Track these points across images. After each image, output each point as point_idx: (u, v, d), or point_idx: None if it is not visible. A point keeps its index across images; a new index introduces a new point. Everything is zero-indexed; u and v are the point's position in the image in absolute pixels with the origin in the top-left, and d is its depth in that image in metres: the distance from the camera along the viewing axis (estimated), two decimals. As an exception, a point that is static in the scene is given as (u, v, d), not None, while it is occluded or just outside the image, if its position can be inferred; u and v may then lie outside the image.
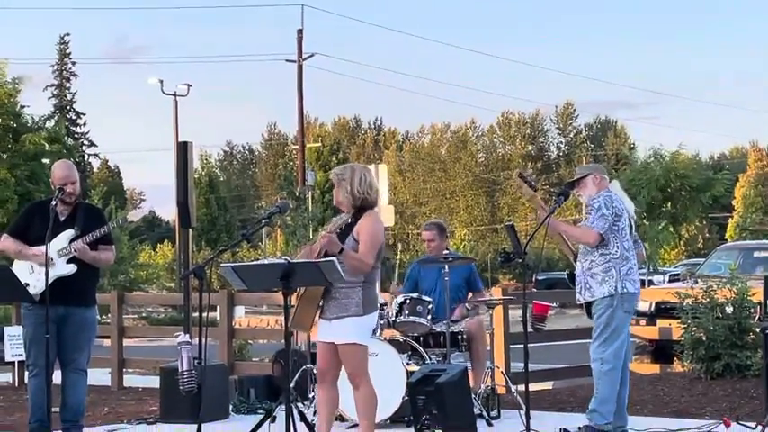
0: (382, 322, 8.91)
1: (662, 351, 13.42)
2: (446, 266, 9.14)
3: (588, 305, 7.82)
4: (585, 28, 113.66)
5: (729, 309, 10.92)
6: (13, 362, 12.78)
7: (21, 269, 7.66)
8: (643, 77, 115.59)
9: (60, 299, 7.50)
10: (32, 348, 7.74)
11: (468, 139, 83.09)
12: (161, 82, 44.46)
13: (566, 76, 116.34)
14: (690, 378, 10.92)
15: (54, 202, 7.63)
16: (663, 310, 13.99)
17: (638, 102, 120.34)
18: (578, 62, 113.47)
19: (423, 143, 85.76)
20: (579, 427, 7.75)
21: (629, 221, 7.82)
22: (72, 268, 7.70)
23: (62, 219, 7.78)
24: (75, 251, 7.66)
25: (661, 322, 13.56)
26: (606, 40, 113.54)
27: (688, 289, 11.67)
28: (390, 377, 8.33)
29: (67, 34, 69.60)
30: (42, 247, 7.44)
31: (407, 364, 8.62)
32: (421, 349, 8.98)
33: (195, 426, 6.94)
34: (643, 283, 26.71)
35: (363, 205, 6.83)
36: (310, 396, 9.10)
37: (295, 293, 6.77)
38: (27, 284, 7.48)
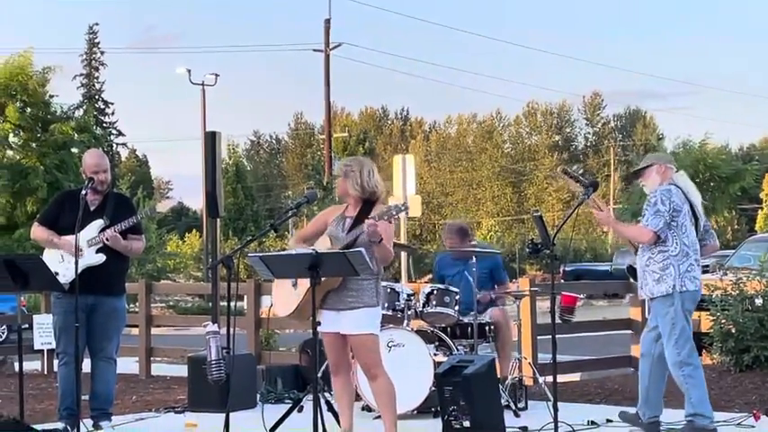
0: (410, 313, 8.91)
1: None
2: (473, 258, 9.13)
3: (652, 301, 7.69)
4: (614, 18, 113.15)
5: (759, 301, 10.84)
6: (43, 350, 12.88)
7: (51, 258, 7.70)
8: (674, 68, 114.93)
9: (90, 288, 7.54)
10: (62, 337, 7.79)
11: (494, 129, 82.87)
12: (189, 71, 44.53)
13: (594, 65, 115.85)
14: (719, 371, 10.86)
15: (84, 192, 7.65)
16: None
17: (669, 92, 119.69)
18: (608, 52, 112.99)
19: (449, 133, 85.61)
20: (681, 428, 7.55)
21: (695, 214, 7.54)
22: (101, 258, 7.74)
23: (92, 208, 7.82)
24: (106, 239, 7.69)
25: (689, 314, 13.48)
26: (636, 31, 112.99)
27: (717, 281, 11.60)
28: (417, 368, 8.34)
29: (96, 24, 69.95)
30: (72, 237, 7.48)
31: (434, 354, 8.61)
32: (448, 340, 8.98)
33: (223, 415, 6.96)
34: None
35: (371, 199, 6.81)
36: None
37: (295, 283, 6.82)
38: (57, 273, 7.51)
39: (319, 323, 6.69)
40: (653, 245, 7.43)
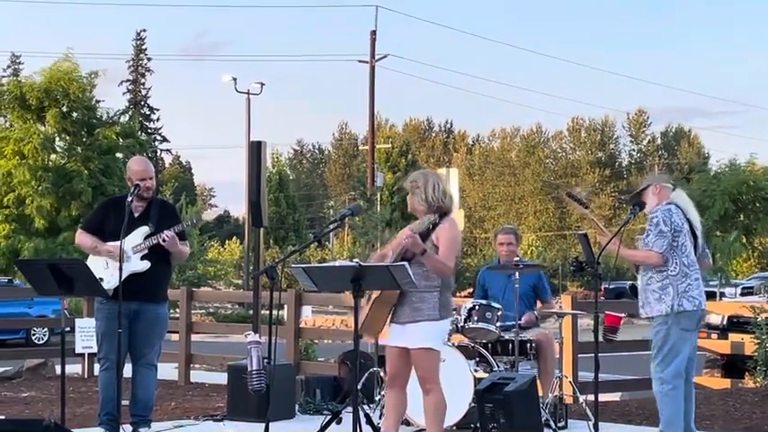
0: (451, 328, 8.86)
1: (733, 366, 13.21)
2: (516, 273, 9.07)
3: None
4: (662, 34, 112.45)
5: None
6: (84, 354, 12.95)
7: (95, 264, 7.72)
8: (722, 86, 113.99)
9: (133, 295, 7.56)
10: (104, 342, 7.82)
11: (537, 143, 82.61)
12: (234, 80, 44.69)
13: (639, 82, 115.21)
14: (762, 394, 10.73)
15: (130, 199, 7.69)
16: (735, 324, 13.78)
17: (716, 111, 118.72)
18: (654, 68, 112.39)
19: (492, 147, 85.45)
20: None
21: (693, 232, 7.55)
22: (146, 265, 7.76)
23: (136, 215, 7.85)
24: (163, 240, 7.70)
25: (733, 336, 13.36)
26: (683, 48, 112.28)
27: (763, 303, 11.47)
28: (458, 383, 8.28)
29: (144, 30, 70.60)
30: (117, 243, 7.52)
31: (475, 370, 8.56)
32: (489, 356, 8.92)
33: (262, 424, 6.95)
34: (714, 295, 26.46)
35: (438, 212, 6.79)
36: (377, 399, 9.08)
37: (366, 297, 6.77)
38: (101, 279, 7.53)
39: (361, 336, 6.68)
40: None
